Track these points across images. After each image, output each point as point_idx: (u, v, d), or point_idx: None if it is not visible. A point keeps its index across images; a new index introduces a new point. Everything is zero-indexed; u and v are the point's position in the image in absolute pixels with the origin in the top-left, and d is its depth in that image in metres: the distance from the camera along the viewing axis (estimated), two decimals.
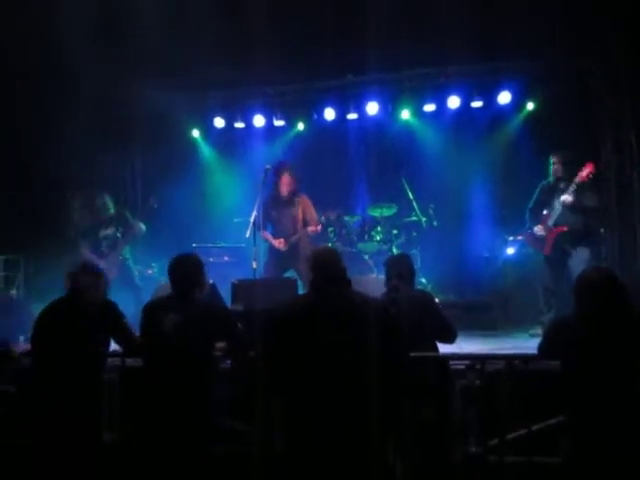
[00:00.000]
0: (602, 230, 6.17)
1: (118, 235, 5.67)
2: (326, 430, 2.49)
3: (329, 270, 2.76)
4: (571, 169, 5.21)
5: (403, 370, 2.78)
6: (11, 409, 3.31)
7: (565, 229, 5.21)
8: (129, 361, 3.57)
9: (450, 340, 3.50)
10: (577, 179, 5.06)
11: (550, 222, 5.28)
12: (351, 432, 2.48)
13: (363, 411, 2.50)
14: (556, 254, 5.27)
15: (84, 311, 3.16)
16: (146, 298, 4.65)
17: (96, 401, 3.11)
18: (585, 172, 5.04)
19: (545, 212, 5.33)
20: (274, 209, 5.94)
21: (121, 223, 5.72)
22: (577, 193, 5.07)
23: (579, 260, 5.07)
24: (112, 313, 3.24)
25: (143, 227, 5.69)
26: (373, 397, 2.52)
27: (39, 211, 6.34)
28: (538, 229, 5.34)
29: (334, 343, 2.55)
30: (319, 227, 5.99)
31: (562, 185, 5.25)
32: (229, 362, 3.51)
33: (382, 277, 3.96)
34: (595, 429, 2.58)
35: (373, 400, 2.51)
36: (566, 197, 5.08)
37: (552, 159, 5.37)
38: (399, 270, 3.61)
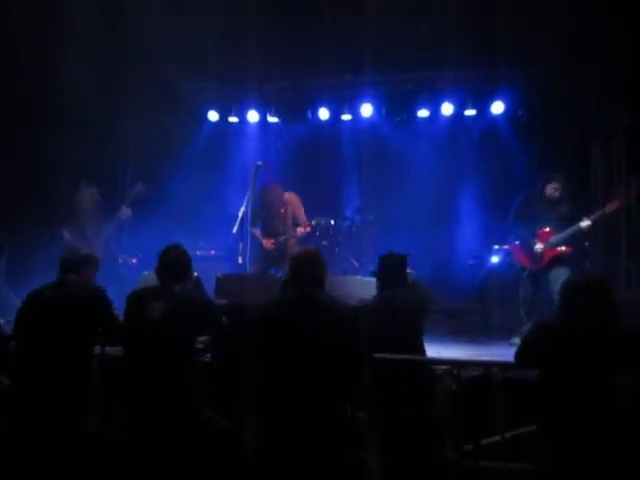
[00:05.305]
0: (587, 243, 6.24)
1: (103, 219, 5.63)
2: (288, 424, 2.53)
3: (300, 272, 2.80)
4: (568, 192, 5.28)
5: (365, 372, 2.81)
6: None
7: (567, 250, 5.25)
8: (109, 349, 3.54)
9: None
10: (607, 209, 5.09)
11: (553, 241, 5.27)
12: (311, 429, 2.51)
13: (322, 406, 2.55)
14: (543, 269, 5.31)
15: (73, 298, 3.13)
16: (129, 286, 4.63)
17: (83, 390, 3.08)
18: (615, 206, 5.06)
19: (547, 229, 5.31)
20: (264, 208, 5.96)
21: (107, 208, 5.68)
22: (597, 221, 5.12)
23: (560, 272, 5.15)
24: (101, 301, 3.22)
25: (129, 211, 5.66)
26: (331, 393, 2.58)
27: (22, 196, 6.25)
28: (539, 247, 5.31)
29: (292, 342, 2.60)
30: (308, 228, 6.01)
31: (561, 204, 5.28)
32: (209, 355, 3.50)
33: (367, 279, 3.99)
34: (569, 437, 2.58)
35: (331, 395, 2.58)
36: (588, 223, 5.10)
37: (553, 183, 5.31)
38: (383, 271, 3.64)
